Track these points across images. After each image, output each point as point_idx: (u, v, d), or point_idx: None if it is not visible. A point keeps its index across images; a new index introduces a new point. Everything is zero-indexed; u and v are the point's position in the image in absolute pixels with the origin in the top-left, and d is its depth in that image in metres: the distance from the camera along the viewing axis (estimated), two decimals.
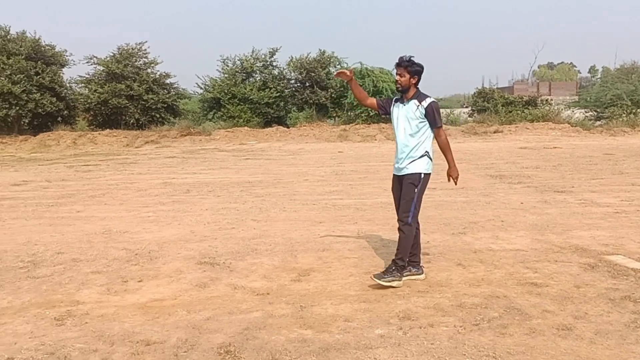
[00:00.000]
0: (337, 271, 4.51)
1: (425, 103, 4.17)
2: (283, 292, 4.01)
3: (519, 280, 4.16)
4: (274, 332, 3.29)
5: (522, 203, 7.22)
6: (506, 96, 24.88)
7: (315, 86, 23.11)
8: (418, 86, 4.25)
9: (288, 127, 22.04)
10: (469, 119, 23.87)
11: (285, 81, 23.80)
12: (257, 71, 24.03)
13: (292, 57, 23.84)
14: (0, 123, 20.93)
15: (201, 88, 24.23)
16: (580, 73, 79.98)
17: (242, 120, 22.28)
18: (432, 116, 4.16)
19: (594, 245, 5.11)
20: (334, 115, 23.18)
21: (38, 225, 6.54)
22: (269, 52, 23.91)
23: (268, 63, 24.01)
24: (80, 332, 3.34)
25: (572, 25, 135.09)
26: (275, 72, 24.06)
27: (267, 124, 22.94)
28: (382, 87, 21.03)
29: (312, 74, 23.05)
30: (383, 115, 4.59)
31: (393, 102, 4.38)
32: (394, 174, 4.44)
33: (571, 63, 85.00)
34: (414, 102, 4.20)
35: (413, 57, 4.19)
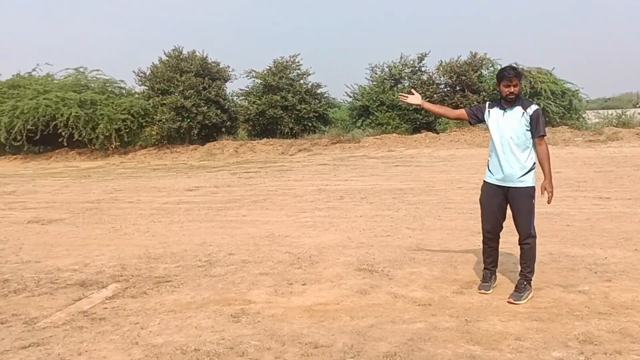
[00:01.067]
0: (501, 286, 4.29)
1: (530, 110, 4.00)
2: (446, 304, 3.91)
3: None
4: (440, 345, 3.23)
5: None
6: None
7: (466, 90, 22.36)
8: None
9: (437, 133, 21.61)
10: None
11: (434, 86, 23.38)
12: (406, 77, 23.94)
13: (442, 61, 23.35)
14: (174, 134, 23.35)
15: (350, 96, 24.80)
16: None
17: (390, 127, 22.34)
18: (537, 123, 3.97)
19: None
20: None
21: (210, 227, 7.17)
22: (418, 57, 23.70)
23: (417, 68, 23.81)
24: (254, 330, 3.58)
25: None
26: (424, 77, 23.75)
27: (416, 130, 22.71)
28: (541, 88, 19.69)
29: (463, 77, 22.34)
30: (475, 124, 4.40)
31: (487, 109, 4.22)
32: (490, 183, 4.20)
33: None
34: (518, 108, 4.04)
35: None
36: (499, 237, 4.27)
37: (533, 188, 4.07)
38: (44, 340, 3.44)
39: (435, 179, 11.09)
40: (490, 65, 22.78)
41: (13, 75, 24.21)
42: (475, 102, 21.83)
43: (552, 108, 19.69)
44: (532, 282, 4.05)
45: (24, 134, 21.13)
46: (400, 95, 4.61)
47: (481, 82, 22.14)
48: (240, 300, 4.17)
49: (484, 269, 4.30)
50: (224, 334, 3.52)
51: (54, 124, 21.25)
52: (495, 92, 21.16)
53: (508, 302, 3.90)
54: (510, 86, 4.00)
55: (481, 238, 4.11)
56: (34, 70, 24.66)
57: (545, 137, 4.13)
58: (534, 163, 4.09)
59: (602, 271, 4.47)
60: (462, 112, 4.47)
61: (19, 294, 4.45)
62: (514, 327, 3.45)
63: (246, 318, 3.79)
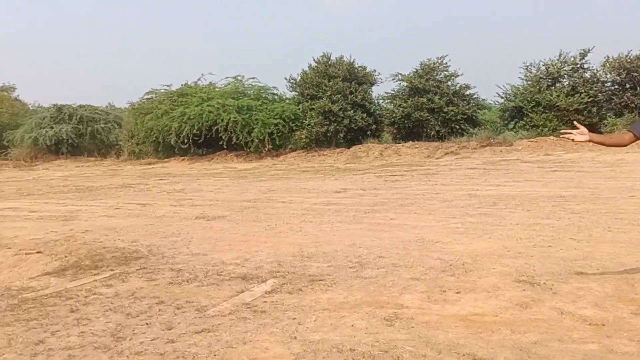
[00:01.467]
0: None
1: None
2: (622, 326, 3.52)
3: None
4: None
5: None
6: None
7: (638, 87, 20.08)
8: None
9: None
10: None
11: (599, 84, 21.35)
12: (565, 75, 22.18)
13: (608, 57, 21.24)
14: (322, 137, 24.17)
15: (502, 97, 23.63)
16: None
17: (547, 129, 20.85)
18: None
19: None
20: None
21: (359, 229, 7.27)
22: (580, 54, 21.82)
23: (578, 66, 21.92)
24: (408, 335, 3.54)
25: None
26: (587, 75, 21.80)
27: None
28: None
29: (635, 74, 20.10)
30: None
31: None
32: None
33: None
34: None
35: None
36: None
37: None
38: (214, 327, 3.74)
39: (602, 186, 10.09)
40: None
41: (182, 85, 26.92)
42: None
43: None
44: None
45: (190, 138, 23.36)
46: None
47: None
48: (393, 304, 4.16)
49: None
50: (378, 336, 3.53)
51: (215, 129, 23.21)
52: None
53: None
54: None
55: None
56: (199, 79, 27.21)
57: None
58: None
59: None
60: (630, 135, 4.00)
61: (190, 283, 4.90)
62: None
63: (400, 322, 3.76)
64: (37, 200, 12.08)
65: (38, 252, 6.44)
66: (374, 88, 25.46)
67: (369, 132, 24.77)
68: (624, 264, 4.94)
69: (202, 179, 16.68)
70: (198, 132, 23.25)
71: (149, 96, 27.19)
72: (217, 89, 26.07)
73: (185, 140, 23.33)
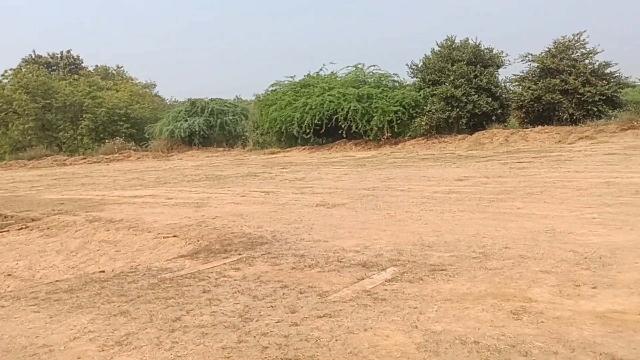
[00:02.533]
0: None
1: None
2: None
3: None
4: None
5: None
6: None
7: None
8: None
9: None
10: None
11: None
12: None
13: None
14: (442, 124, 23.52)
15: None
16: None
17: None
18: None
19: None
20: None
21: (483, 219, 6.99)
22: None
23: None
24: (537, 330, 3.35)
25: None
26: None
27: None
28: None
29: None
30: None
31: None
32: None
33: None
34: None
35: None
36: None
37: None
38: (335, 312, 3.83)
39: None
40: None
41: (304, 76, 27.66)
42: None
43: None
44: None
45: (312, 127, 23.98)
46: None
47: None
48: (520, 297, 3.95)
49: None
50: (504, 330, 3.38)
51: (335, 118, 23.58)
52: None
53: None
54: None
55: None
56: (320, 70, 27.77)
57: None
58: None
59: None
60: None
61: (312, 268, 5.05)
62: None
63: (528, 317, 3.57)
64: (173, 188, 13.16)
65: (174, 236, 7.03)
66: (500, 70, 24.27)
67: (493, 117, 23.66)
68: None
69: (322, 167, 17.06)
70: (319, 121, 23.79)
71: (273, 88, 28.30)
72: (338, 79, 26.44)
73: (307, 130, 23.98)
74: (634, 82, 23.85)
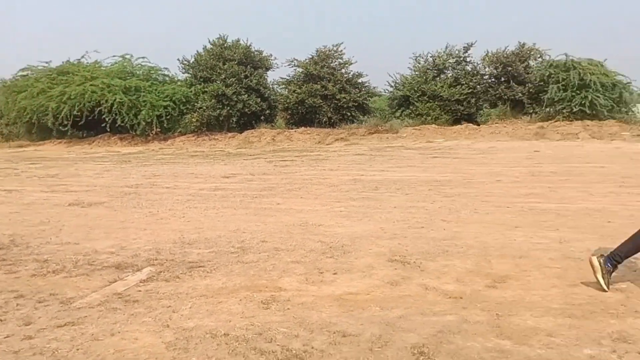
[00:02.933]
0: (536, 281, 4.18)
1: None
2: (477, 298, 3.84)
3: None
4: (469, 338, 3.17)
5: None
6: None
7: (511, 81, 21.81)
8: None
9: (478, 125, 21.17)
10: None
11: (478, 77, 22.88)
12: (450, 67, 23.52)
13: (488, 52, 22.82)
14: (213, 121, 23.65)
15: (391, 86, 24.54)
16: None
17: (430, 117, 22.05)
18: None
19: None
20: (531, 111, 21.63)
21: (245, 214, 7.24)
22: (464, 47, 23.22)
23: (461, 59, 23.33)
24: (284, 317, 3.60)
25: None
26: (469, 67, 23.28)
27: (456, 121, 22.33)
28: (590, 81, 18.99)
29: (509, 68, 21.78)
30: None
31: None
32: None
33: None
34: None
35: None
36: None
37: None
38: (79, 320, 3.55)
39: (474, 172, 10.87)
40: (539, 55, 22.16)
41: (63, 62, 24.95)
42: (520, 94, 21.23)
43: (601, 101, 19.00)
44: None
45: (70, 119, 21.79)
46: None
47: (528, 73, 21.54)
48: (271, 288, 4.20)
49: None
50: (254, 319, 3.55)
51: (98, 110, 21.84)
52: (541, 83, 20.59)
53: None
54: None
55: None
56: (82, 57, 25.35)
57: None
58: None
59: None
60: None
61: (57, 274, 4.60)
62: (546, 323, 3.35)
63: (276, 305, 3.81)
64: None
65: None
66: (269, 73, 25.34)
67: (262, 117, 24.65)
68: (485, 242, 5.38)
69: (81, 163, 15.67)
70: (79, 113, 21.74)
71: (24, 73, 24.92)
72: (102, 68, 24.46)
73: (65, 122, 21.71)
74: (381, 92, 27.34)
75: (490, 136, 19.02)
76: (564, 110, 19.47)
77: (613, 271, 3.91)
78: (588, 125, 18.35)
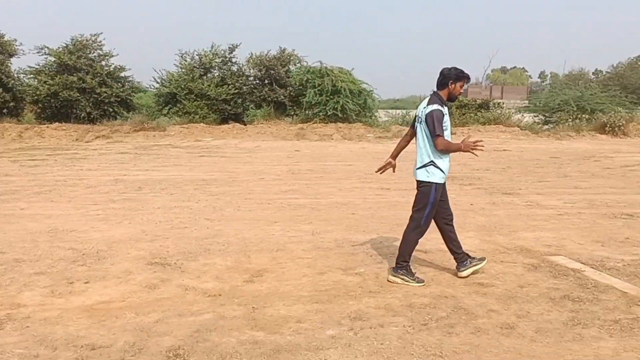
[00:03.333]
0: (290, 272, 4.51)
1: None
2: (235, 294, 3.98)
3: (467, 280, 4.27)
4: (225, 334, 3.27)
5: (471, 204, 7.41)
6: (460, 99, 25.44)
7: (274, 84, 23.01)
8: None
9: (245, 125, 21.86)
10: None
11: (244, 78, 23.58)
12: (216, 67, 23.75)
13: (252, 54, 23.67)
14: None
15: (157, 82, 23.74)
16: (531, 78, 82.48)
17: (198, 116, 21.98)
18: None
19: (538, 246, 5.31)
20: (292, 113, 23.16)
21: None
22: (229, 48, 23.68)
23: (227, 59, 23.75)
24: (21, 336, 3.22)
25: (524, 31, 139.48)
26: (234, 68, 23.83)
27: (224, 120, 22.71)
28: (341, 87, 21.13)
29: (272, 71, 22.94)
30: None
31: (446, 112, 4.26)
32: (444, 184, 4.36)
33: (523, 68, 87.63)
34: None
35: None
36: None
37: None
38: None
39: (239, 170, 11.21)
40: (298, 61, 23.78)
41: None
42: (282, 97, 22.57)
43: (350, 106, 21.28)
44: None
45: None
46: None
47: (288, 77, 22.96)
48: (7, 305, 3.71)
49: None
50: None
51: None
52: (300, 87, 22.22)
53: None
54: (460, 87, 4.26)
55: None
56: None
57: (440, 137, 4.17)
58: None
59: (377, 254, 4.98)
60: (411, 131, 4.46)
61: None
62: (296, 310, 3.65)
63: (12, 324, 3.39)
64: None
65: None
66: (13, 60, 22.24)
67: (5, 110, 21.54)
68: (246, 238, 5.60)
69: None
70: None
71: None
72: None
73: None
74: (146, 87, 26.25)
75: (256, 136, 19.81)
76: (320, 113, 21.31)
77: (409, 270, 4.21)
78: (340, 128, 20.42)
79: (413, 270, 4.27)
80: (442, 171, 4.23)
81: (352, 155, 14.64)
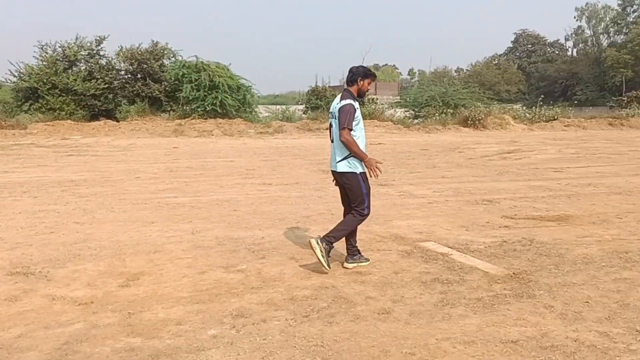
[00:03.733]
0: (169, 273, 4.36)
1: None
2: (109, 300, 3.76)
3: (346, 270, 4.42)
4: (98, 343, 3.08)
5: None
6: (337, 94, 26.20)
7: (147, 78, 21.99)
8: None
9: (118, 121, 20.68)
10: (303, 115, 24.69)
11: (114, 72, 22.26)
12: (82, 60, 22.17)
13: (122, 47, 22.42)
14: None
15: (15, 76, 21.62)
16: (401, 75, 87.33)
17: (64, 113, 20.38)
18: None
19: (410, 233, 5.64)
20: (169, 109, 22.33)
21: None
22: (96, 40, 22.20)
23: (94, 52, 22.26)
24: None
25: (394, 30, 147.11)
26: (103, 62, 22.38)
27: (94, 117, 21.31)
28: (219, 82, 20.77)
29: (145, 65, 21.90)
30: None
31: (357, 108, 4.41)
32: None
33: (394, 65, 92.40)
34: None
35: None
36: None
37: None
38: None
39: (112, 170, 10.60)
40: (172, 55, 22.98)
41: None
42: (157, 92, 21.67)
43: (229, 101, 21.01)
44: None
45: None
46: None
47: (163, 72, 22.09)
48: None
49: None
50: None
51: None
52: (176, 82, 21.51)
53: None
54: (367, 84, 4.48)
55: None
56: None
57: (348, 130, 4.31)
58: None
59: (259, 250, 4.98)
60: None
61: None
62: (176, 312, 3.54)
63: None
64: None
65: None
66: None
67: None
68: (120, 240, 5.32)
69: None
70: None
71: None
72: None
73: None
74: (2, 82, 23.81)
75: (131, 133, 18.86)
76: (199, 109, 20.80)
77: (329, 250, 4.33)
78: (220, 123, 20.09)
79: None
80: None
81: (233, 151, 14.48)
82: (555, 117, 24.55)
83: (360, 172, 4.42)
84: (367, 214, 4.48)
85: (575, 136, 20.14)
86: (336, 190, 4.79)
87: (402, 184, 8.96)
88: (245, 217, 6.44)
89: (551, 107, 26.27)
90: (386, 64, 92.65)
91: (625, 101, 36.35)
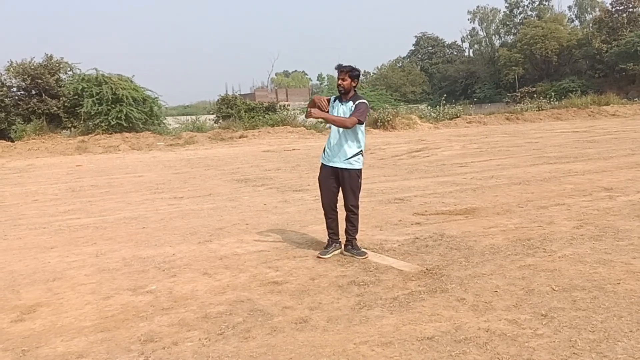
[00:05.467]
0: (70, 302, 4.03)
1: (357, 100, 4.70)
2: (0, 338, 3.40)
3: (262, 281, 4.30)
4: None
5: (265, 204, 7.56)
6: (248, 102, 26.01)
7: (43, 94, 20.64)
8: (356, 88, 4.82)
9: (13, 141, 19.22)
10: (214, 125, 24.24)
11: (5, 89, 20.69)
12: None
13: (13, 62, 20.90)
14: None
15: None
16: (311, 80, 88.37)
17: None
18: (357, 109, 4.64)
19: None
20: (70, 126, 21.08)
21: None
22: None
23: None
24: None
25: (302, 36, 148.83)
26: None
27: None
28: (122, 95, 19.90)
29: (39, 80, 20.56)
30: None
31: (332, 102, 4.80)
32: (326, 165, 4.94)
33: (303, 71, 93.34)
34: (351, 103, 4.70)
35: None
36: None
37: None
38: None
39: (6, 194, 9.79)
40: (69, 69, 21.76)
41: None
42: (55, 108, 20.42)
43: (135, 114, 20.18)
44: None
45: None
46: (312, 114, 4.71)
47: (60, 87, 20.84)
48: None
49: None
50: None
51: None
52: (76, 97, 20.39)
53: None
54: (340, 79, 4.69)
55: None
56: None
57: (357, 120, 4.62)
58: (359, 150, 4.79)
59: (169, 267, 4.73)
60: (354, 120, 4.62)
61: None
62: (77, 344, 3.25)
63: None
64: None
65: None
66: None
67: None
68: (14, 270, 4.87)
69: None
70: None
71: None
72: None
73: None
74: None
75: (28, 153, 17.61)
76: (103, 124, 19.81)
77: (348, 245, 4.93)
78: (127, 138, 19.24)
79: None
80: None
81: (142, 165, 13.89)
82: (458, 115, 25.84)
83: (361, 168, 4.88)
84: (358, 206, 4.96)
85: (477, 132, 21.26)
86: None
87: (315, 188, 8.94)
88: (154, 234, 6.13)
89: (454, 105, 27.64)
90: (295, 70, 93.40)
91: (519, 97, 39.08)
